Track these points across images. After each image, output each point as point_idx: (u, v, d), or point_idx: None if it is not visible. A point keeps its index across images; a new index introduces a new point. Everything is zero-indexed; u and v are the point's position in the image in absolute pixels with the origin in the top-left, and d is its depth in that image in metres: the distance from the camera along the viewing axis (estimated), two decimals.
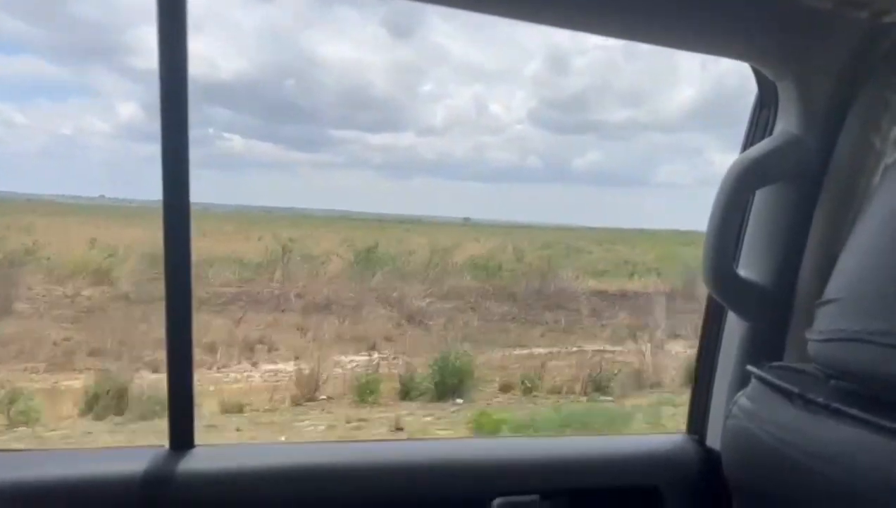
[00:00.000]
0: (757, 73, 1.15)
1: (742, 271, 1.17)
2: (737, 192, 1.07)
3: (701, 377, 1.27)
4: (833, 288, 0.87)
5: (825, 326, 0.85)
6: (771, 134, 1.14)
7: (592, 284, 10.28)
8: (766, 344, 1.14)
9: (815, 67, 1.06)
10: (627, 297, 9.58)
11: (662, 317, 8.25)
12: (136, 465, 1.00)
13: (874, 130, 1.03)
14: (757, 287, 1.14)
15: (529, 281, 9.97)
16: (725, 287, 1.12)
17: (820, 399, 0.82)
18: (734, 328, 1.20)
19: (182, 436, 1.04)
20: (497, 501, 1.08)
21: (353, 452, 1.13)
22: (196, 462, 1.03)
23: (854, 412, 0.78)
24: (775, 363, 0.97)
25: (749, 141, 1.20)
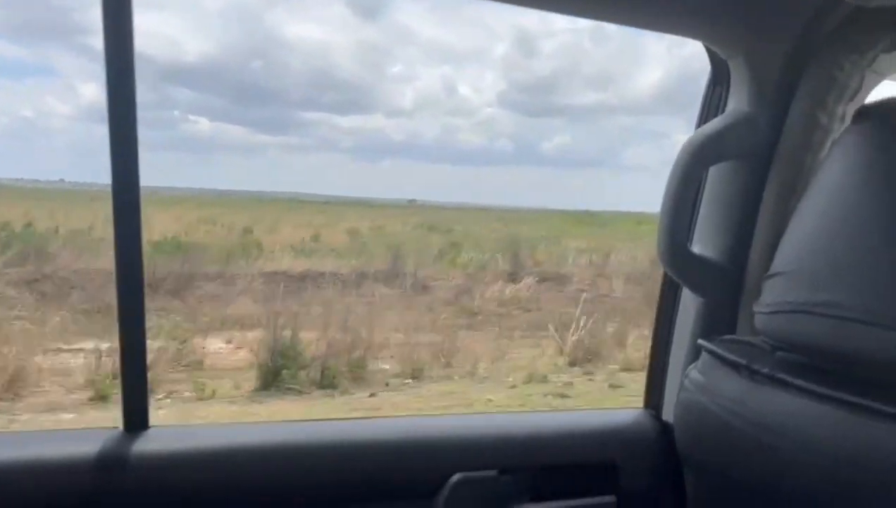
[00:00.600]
0: (709, 51, 1.16)
1: (696, 248, 1.19)
2: (690, 169, 1.08)
3: (657, 353, 1.29)
4: (779, 262, 0.89)
5: (772, 299, 0.87)
6: (723, 112, 1.16)
7: (291, 263, 9.71)
8: (720, 319, 1.16)
9: (765, 44, 1.07)
10: (304, 278, 8.88)
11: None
12: (88, 447, 0.98)
13: (821, 107, 1.04)
14: (710, 263, 1.16)
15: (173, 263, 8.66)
16: (679, 264, 1.14)
17: (766, 370, 0.84)
18: (688, 303, 1.22)
19: (136, 417, 1.03)
20: (455, 477, 1.09)
21: (309, 431, 1.13)
22: (151, 443, 1.01)
23: (798, 382, 0.80)
24: (726, 337, 0.99)
25: (703, 119, 1.21)
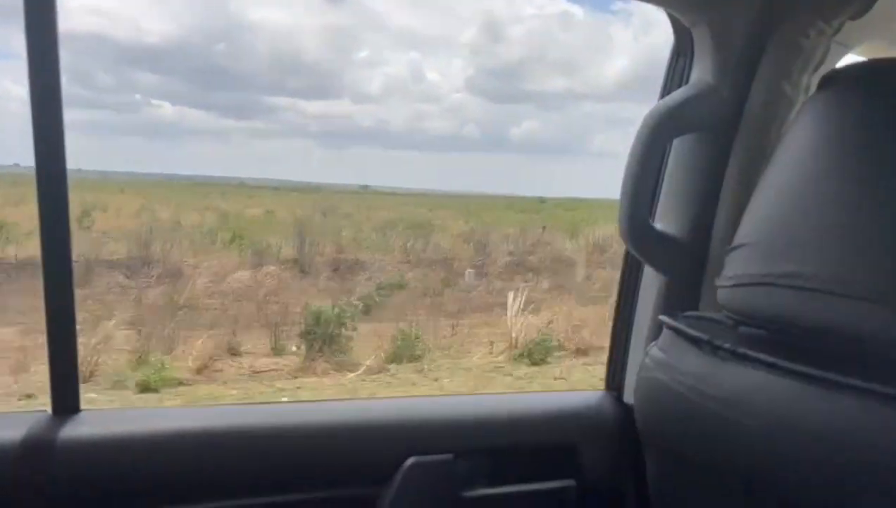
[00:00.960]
0: (673, 19, 1.12)
1: (658, 224, 1.15)
2: (652, 142, 1.05)
3: (618, 333, 1.26)
4: (742, 234, 0.85)
5: (733, 271, 0.84)
6: (687, 83, 1.12)
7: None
8: (683, 296, 1.13)
9: (729, 12, 1.04)
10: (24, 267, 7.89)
11: None
12: (14, 431, 0.92)
13: (785, 76, 1.01)
14: (672, 239, 1.12)
15: None
16: (640, 241, 1.10)
17: (727, 345, 0.81)
18: (651, 281, 1.19)
19: (65, 400, 0.97)
20: (410, 461, 1.05)
21: (254, 415, 1.07)
22: (80, 427, 0.96)
23: (760, 356, 0.77)
24: (689, 313, 0.96)
25: (666, 90, 1.18)
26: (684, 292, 1.12)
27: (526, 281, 9.00)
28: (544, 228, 12.86)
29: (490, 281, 9.30)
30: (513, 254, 10.77)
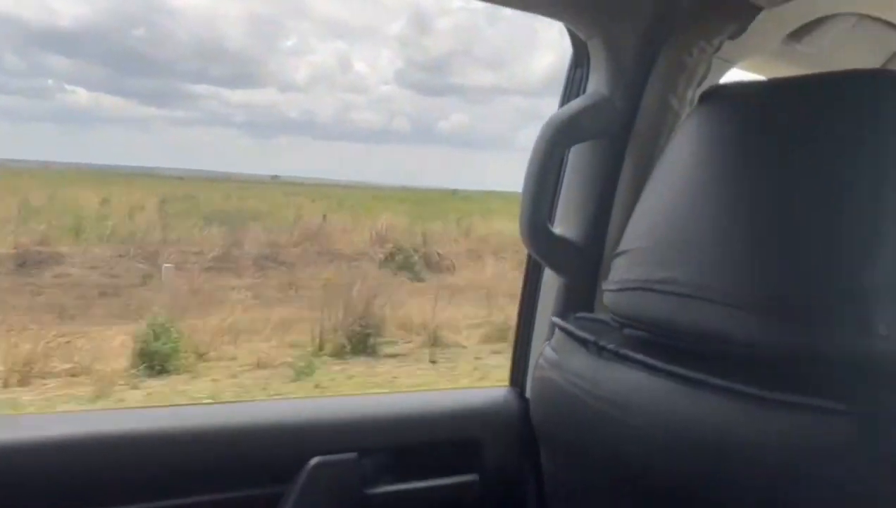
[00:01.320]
0: (570, 32, 1.17)
1: (557, 228, 1.20)
2: (549, 150, 1.09)
3: (521, 331, 1.30)
4: (626, 240, 0.91)
5: (618, 276, 0.89)
6: (584, 93, 1.17)
7: None
8: (579, 298, 1.18)
9: (621, 27, 1.09)
10: None
11: None
12: None
13: (672, 90, 1.08)
14: (570, 243, 1.17)
15: None
16: (540, 243, 1.15)
17: (612, 347, 0.86)
18: (550, 282, 1.24)
19: None
20: (313, 461, 1.06)
21: (150, 419, 1.06)
22: None
23: (640, 357, 0.82)
24: (581, 314, 1.01)
25: (565, 100, 1.23)
26: (581, 294, 1.18)
27: (256, 278, 7.98)
28: (325, 216, 11.45)
29: (193, 278, 7.62)
30: (276, 245, 9.33)
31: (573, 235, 1.18)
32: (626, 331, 0.88)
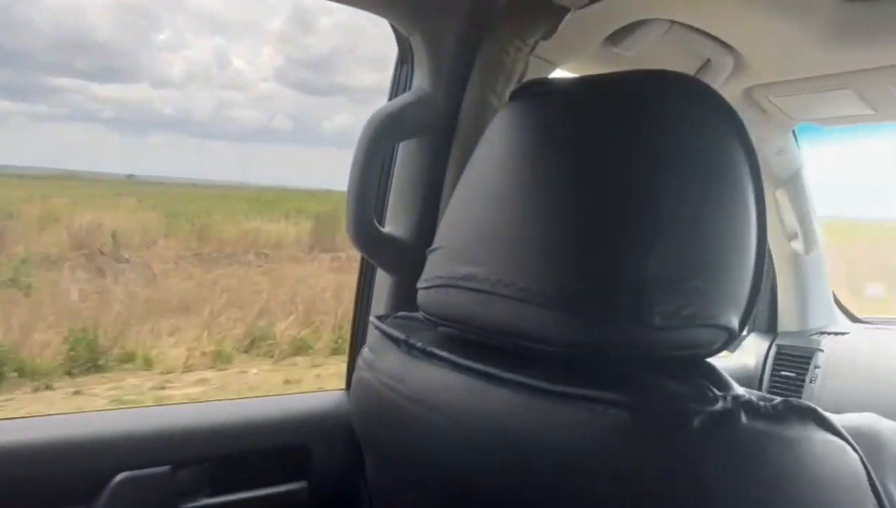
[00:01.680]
0: (393, 28, 1.15)
1: (388, 227, 1.19)
2: (372, 147, 1.07)
3: (355, 334, 1.28)
4: (438, 237, 0.90)
5: (429, 274, 0.88)
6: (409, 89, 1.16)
7: None
8: (409, 297, 1.17)
9: (440, 24, 1.09)
10: None
11: None
12: None
13: (491, 90, 1.08)
14: (399, 242, 1.16)
15: None
16: (368, 243, 1.13)
17: (420, 345, 0.85)
18: (383, 282, 1.22)
19: None
20: (118, 477, 0.98)
21: None
22: None
23: (444, 354, 0.81)
24: (400, 313, 0.99)
25: (392, 96, 1.21)
26: (410, 294, 1.16)
27: None
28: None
29: None
30: None
31: (402, 233, 1.16)
32: (441, 329, 0.87)
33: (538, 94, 0.88)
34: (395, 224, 1.18)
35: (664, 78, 0.77)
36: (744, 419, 0.60)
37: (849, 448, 0.64)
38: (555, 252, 0.73)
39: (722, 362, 2.22)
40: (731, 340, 0.73)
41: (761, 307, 2.11)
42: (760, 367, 2.00)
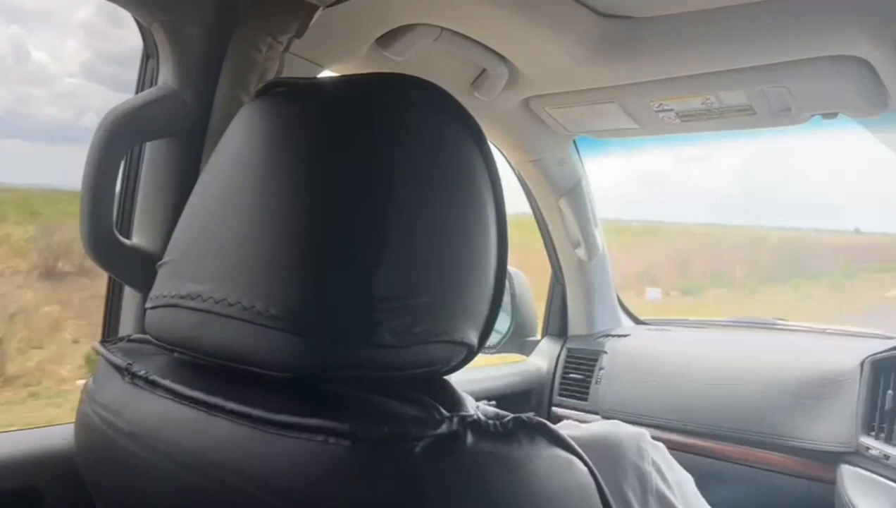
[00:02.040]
0: (135, 18, 1.04)
1: (136, 238, 1.06)
2: (107, 149, 0.95)
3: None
4: (169, 250, 0.80)
5: (156, 292, 0.78)
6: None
7: None
8: None
9: (183, 16, 0.99)
10: None
11: None
12: None
13: (243, 88, 1.00)
14: (145, 254, 1.04)
15: None
16: (107, 255, 1.00)
17: (143, 372, 0.75)
18: (131, 300, 1.09)
19: None
20: None
21: None
22: None
23: (167, 383, 0.71)
24: (134, 336, 0.88)
25: (138, 93, 1.09)
26: None
27: None
28: None
29: None
30: None
31: (149, 244, 1.05)
32: (176, 354, 0.77)
33: (278, 94, 0.81)
34: (141, 235, 1.06)
35: (403, 82, 0.72)
36: (469, 440, 0.56)
37: (576, 461, 0.62)
38: (281, 268, 0.66)
39: (519, 366, 2.27)
40: (470, 355, 0.70)
41: (553, 313, 2.20)
42: (552, 370, 2.08)
